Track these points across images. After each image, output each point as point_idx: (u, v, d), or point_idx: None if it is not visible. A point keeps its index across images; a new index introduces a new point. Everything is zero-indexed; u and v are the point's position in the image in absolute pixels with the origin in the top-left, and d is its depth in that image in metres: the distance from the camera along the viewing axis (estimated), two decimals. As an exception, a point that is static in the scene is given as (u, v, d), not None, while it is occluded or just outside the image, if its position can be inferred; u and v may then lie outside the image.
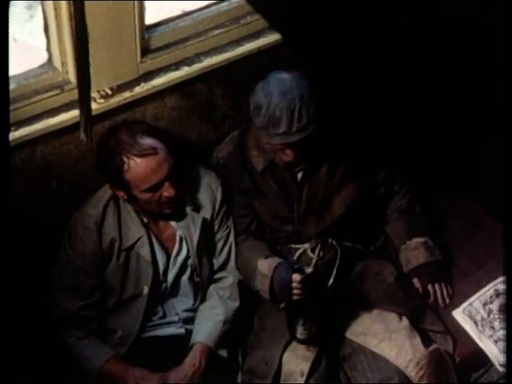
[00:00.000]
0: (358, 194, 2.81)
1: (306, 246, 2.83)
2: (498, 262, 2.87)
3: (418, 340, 2.70)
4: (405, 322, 2.75)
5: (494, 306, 2.83)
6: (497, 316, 2.81)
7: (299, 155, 2.60)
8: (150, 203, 2.58)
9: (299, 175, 2.74)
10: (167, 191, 2.53)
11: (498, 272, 2.87)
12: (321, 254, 2.82)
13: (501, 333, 2.77)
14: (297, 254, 2.83)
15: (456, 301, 2.88)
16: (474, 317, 2.82)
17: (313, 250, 2.83)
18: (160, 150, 2.50)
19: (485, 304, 2.84)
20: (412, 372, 2.63)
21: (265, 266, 2.69)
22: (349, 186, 2.79)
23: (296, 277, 2.52)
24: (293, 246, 2.86)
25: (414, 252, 2.88)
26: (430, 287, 2.88)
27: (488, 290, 2.87)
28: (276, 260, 2.69)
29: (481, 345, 2.76)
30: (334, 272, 2.81)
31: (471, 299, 2.85)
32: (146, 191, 2.52)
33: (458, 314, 2.84)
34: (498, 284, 2.88)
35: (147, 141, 2.49)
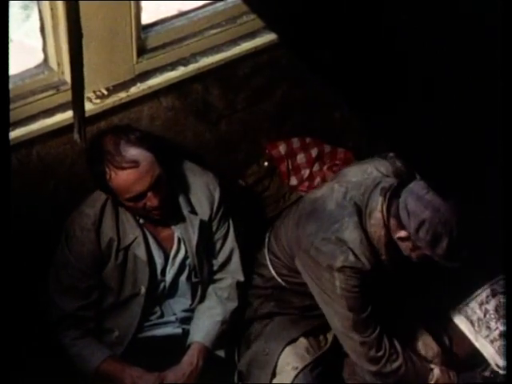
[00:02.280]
0: None
1: None
2: (494, 262, 2.87)
3: (429, 338, 2.71)
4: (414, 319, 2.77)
5: (491, 306, 2.83)
6: (493, 316, 2.81)
7: None
8: (135, 210, 2.58)
9: None
10: (150, 201, 2.51)
11: (494, 272, 2.88)
12: None
13: (497, 333, 2.77)
14: None
15: (453, 301, 2.88)
16: (470, 317, 2.82)
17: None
18: (143, 161, 2.47)
19: (481, 304, 2.84)
20: None
21: (445, 372, 2.68)
22: None
23: None
24: None
25: None
26: None
27: (484, 290, 2.87)
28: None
29: (477, 345, 2.77)
30: None
31: (468, 299, 2.86)
32: (128, 200, 2.52)
33: (454, 314, 2.84)
34: (494, 284, 2.88)
35: (130, 152, 2.46)
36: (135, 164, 2.46)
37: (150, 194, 2.50)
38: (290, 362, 2.69)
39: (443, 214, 2.30)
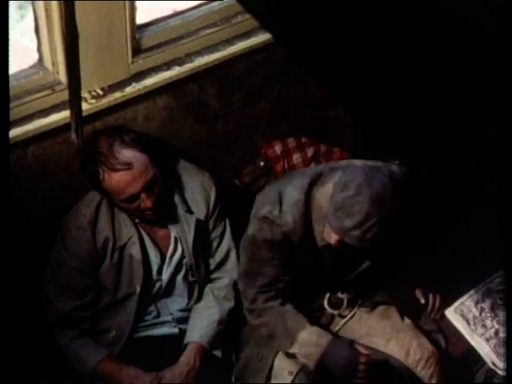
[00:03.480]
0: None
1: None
2: (490, 261, 2.87)
3: (424, 338, 2.70)
4: (407, 320, 2.75)
5: (486, 305, 2.84)
6: (489, 314, 2.82)
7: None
8: (130, 211, 2.59)
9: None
10: (144, 203, 2.53)
11: (489, 271, 2.88)
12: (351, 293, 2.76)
13: (493, 331, 2.78)
14: (327, 295, 2.75)
15: (448, 299, 2.89)
16: (465, 315, 2.82)
17: (343, 291, 2.76)
18: (136, 163, 2.48)
19: (477, 302, 2.85)
20: (422, 371, 2.63)
21: (313, 335, 2.60)
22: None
23: (364, 359, 2.49)
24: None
25: None
26: (430, 297, 2.85)
27: (480, 289, 2.88)
28: (326, 333, 2.61)
29: (473, 343, 2.77)
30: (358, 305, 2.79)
31: (463, 298, 2.86)
32: (122, 202, 2.54)
33: (450, 313, 2.84)
34: (490, 283, 2.89)
35: (124, 154, 2.48)
36: (128, 166, 2.47)
37: (143, 195, 2.51)
38: (285, 366, 2.66)
39: (367, 203, 2.22)
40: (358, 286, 2.73)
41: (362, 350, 2.52)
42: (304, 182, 2.49)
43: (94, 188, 2.58)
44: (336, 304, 2.75)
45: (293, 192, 2.47)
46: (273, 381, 2.68)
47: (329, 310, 2.74)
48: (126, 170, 2.47)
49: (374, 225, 2.22)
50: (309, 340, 2.58)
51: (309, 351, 2.58)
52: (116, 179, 2.48)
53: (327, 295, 2.74)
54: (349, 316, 2.77)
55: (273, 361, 2.67)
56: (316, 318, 2.74)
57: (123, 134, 2.53)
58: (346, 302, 2.74)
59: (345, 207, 2.23)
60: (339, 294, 2.74)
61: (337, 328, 2.77)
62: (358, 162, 2.57)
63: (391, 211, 2.24)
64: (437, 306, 2.86)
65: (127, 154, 2.48)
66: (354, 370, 2.50)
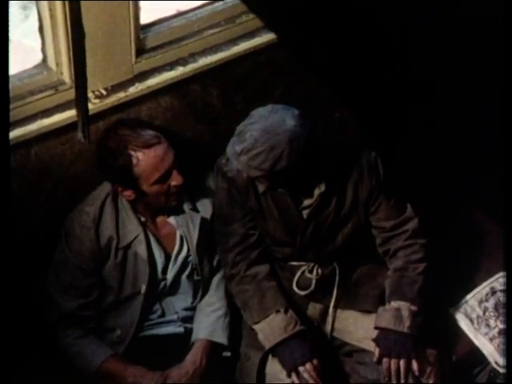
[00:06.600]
0: (361, 227, 2.71)
1: (304, 267, 2.75)
2: (493, 260, 2.88)
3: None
4: None
5: (490, 304, 2.84)
6: (492, 314, 2.82)
7: (273, 186, 2.53)
8: (158, 196, 2.60)
9: (305, 212, 2.63)
10: (176, 179, 2.57)
11: (493, 270, 2.88)
12: (319, 272, 2.74)
13: (496, 330, 2.78)
14: (296, 277, 2.74)
15: (452, 299, 2.89)
16: (469, 315, 2.83)
17: (311, 271, 2.74)
18: (162, 138, 2.55)
19: (480, 302, 2.85)
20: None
21: (285, 320, 2.61)
22: (354, 219, 2.67)
23: (316, 362, 2.55)
24: (292, 263, 2.78)
25: (384, 313, 2.65)
26: (385, 360, 2.60)
27: (483, 288, 2.88)
28: (298, 325, 2.61)
29: (476, 343, 2.77)
30: (335, 292, 2.76)
31: (467, 297, 2.86)
32: (155, 183, 2.55)
33: (454, 312, 2.85)
34: (494, 282, 2.89)
35: (148, 132, 2.53)
36: (158, 140, 2.53)
37: (175, 171, 2.56)
38: (280, 368, 2.64)
39: (269, 111, 2.37)
40: (321, 257, 2.73)
41: (312, 372, 2.56)
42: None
43: (122, 182, 2.56)
44: (304, 286, 2.74)
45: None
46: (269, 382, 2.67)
47: (297, 291, 2.74)
48: (157, 144, 2.52)
49: (260, 153, 2.31)
50: (278, 323, 2.61)
51: (272, 332, 2.60)
52: (151, 155, 2.50)
53: (296, 277, 2.74)
54: (332, 304, 2.75)
55: (262, 361, 2.66)
56: (303, 311, 2.74)
57: (134, 119, 2.63)
58: (314, 282, 2.72)
59: (241, 133, 2.36)
60: (307, 274, 2.74)
61: (329, 327, 2.77)
62: None
63: (285, 146, 2.31)
64: (401, 370, 2.59)
65: (151, 131, 2.54)
66: (295, 370, 2.56)
